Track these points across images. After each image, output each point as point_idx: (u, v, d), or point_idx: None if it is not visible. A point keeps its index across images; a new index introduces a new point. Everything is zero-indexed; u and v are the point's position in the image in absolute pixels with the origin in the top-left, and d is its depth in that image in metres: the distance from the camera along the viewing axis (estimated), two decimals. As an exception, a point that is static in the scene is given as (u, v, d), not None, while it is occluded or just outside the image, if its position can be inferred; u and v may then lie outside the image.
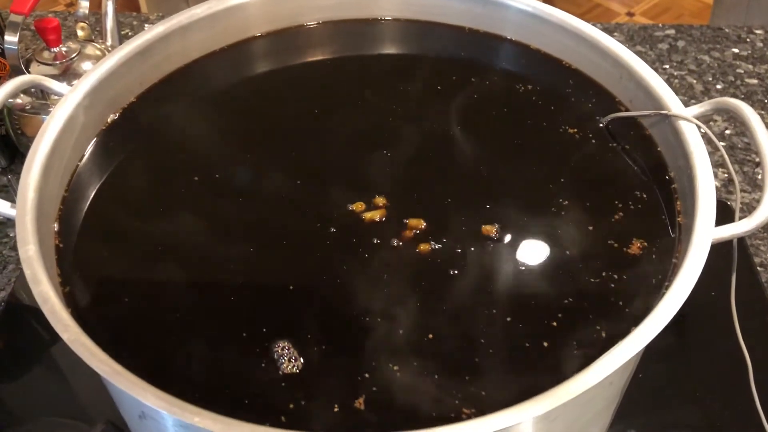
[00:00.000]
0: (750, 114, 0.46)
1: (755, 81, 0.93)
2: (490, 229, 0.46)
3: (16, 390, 0.62)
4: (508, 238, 0.46)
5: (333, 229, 0.46)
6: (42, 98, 0.75)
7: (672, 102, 0.49)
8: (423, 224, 0.46)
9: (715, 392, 0.60)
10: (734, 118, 0.86)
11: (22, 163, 0.46)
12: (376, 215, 0.47)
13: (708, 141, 0.48)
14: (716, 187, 0.77)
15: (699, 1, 2.40)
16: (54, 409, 0.61)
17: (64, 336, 0.36)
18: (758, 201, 0.45)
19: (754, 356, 0.52)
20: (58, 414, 0.60)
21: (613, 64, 0.53)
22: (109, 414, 0.55)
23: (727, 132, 0.85)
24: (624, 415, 0.57)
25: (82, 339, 0.36)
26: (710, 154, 0.46)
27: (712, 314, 0.66)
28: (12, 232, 0.76)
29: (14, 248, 0.74)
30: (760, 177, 0.51)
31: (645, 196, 0.49)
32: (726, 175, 0.79)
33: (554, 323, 0.42)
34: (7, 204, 0.44)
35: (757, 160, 0.77)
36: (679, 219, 0.46)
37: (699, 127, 0.47)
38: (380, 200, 0.48)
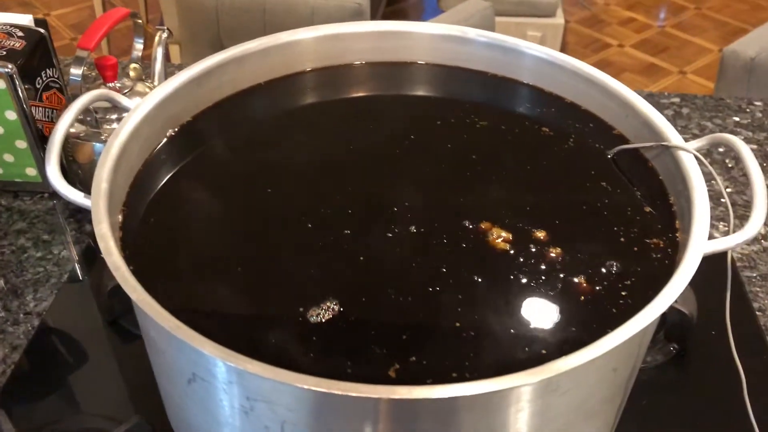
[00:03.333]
0: (741, 145, 0.51)
1: (755, 146, 0.99)
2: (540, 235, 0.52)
3: (54, 394, 0.66)
4: (525, 247, 0.52)
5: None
6: (95, 127, 0.82)
7: (672, 135, 0.55)
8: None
9: (713, 415, 0.64)
10: (736, 179, 0.92)
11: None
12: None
13: (702, 171, 0.54)
14: (717, 228, 0.83)
15: (704, 87, 2.50)
16: (89, 411, 0.65)
17: (134, 296, 0.41)
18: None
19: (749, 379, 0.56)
20: (93, 414, 0.64)
21: (619, 105, 0.59)
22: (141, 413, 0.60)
23: (728, 190, 0.91)
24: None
25: (149, 300, 0.41)
26: (712, 209, 0.51)
27: (712, 351, 0.70)
28: (56, 249, 0.81)
29: (57, 264, 0.79)
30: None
31: (648, 217, 0.54)
32: (726, 228, 0.84)
33: (565, 314, 0.47)
34: (81, 194, 0.50)
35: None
36: (677, 235, 0.52)
37: (697, 158, 0.53)
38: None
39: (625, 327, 0.41)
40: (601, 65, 2.67)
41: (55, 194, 0.88)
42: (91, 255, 0.80)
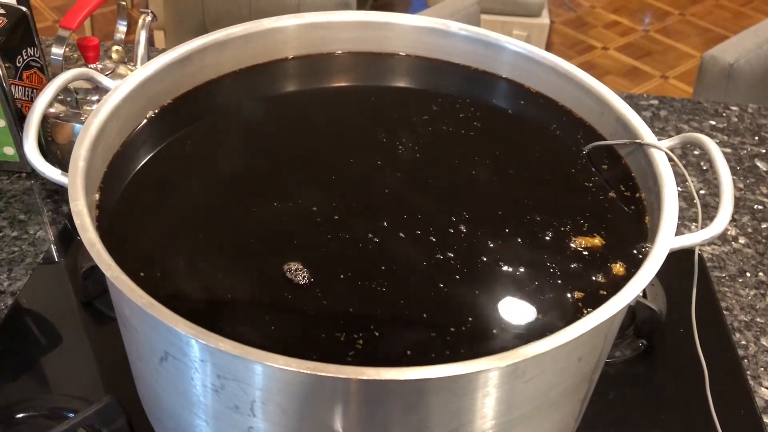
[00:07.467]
0: (711, 145, 0.53)
1: (729, 150, 1.01)
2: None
3: (26, 373, 0.66)
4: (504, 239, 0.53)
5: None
6: (76, 107, 0.81)
7: (646, 133, 0.56)
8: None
9: (677, 410, 0.65)
10: (709, 182, 0.94)
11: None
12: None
13: (669, 167, 0.55)
14: (690, 229, 0.84)
15: (685, 92, 2.54)
16: (60, 391, 0.65)
17: (108, 273, 0.41)
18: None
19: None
20: (64, 394, 0.64)
21: (596, 102, 0.60)
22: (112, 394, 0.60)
23: (702, 192, 0.92)
24: (595, 425, 0.62)
25: (123, 277, 0.41)
26: (684, 210, 0.51)
27: (679, 348, 0.72)
28: (32, 229, 0.81)
29: (33, 244, 0.79)
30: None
31: (618, 212, 0.55)
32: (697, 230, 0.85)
33: (532, 304, 0.48)
34: (58, 171, 0.50)
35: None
36: (646, 230, 0.53)
37: (670, 158, 0.54)
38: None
39: (590, 317, 0.42)
40: (584, 67, 2.68)
41: (32, 174, 0.88)
42: (68, 236, 0.80)
